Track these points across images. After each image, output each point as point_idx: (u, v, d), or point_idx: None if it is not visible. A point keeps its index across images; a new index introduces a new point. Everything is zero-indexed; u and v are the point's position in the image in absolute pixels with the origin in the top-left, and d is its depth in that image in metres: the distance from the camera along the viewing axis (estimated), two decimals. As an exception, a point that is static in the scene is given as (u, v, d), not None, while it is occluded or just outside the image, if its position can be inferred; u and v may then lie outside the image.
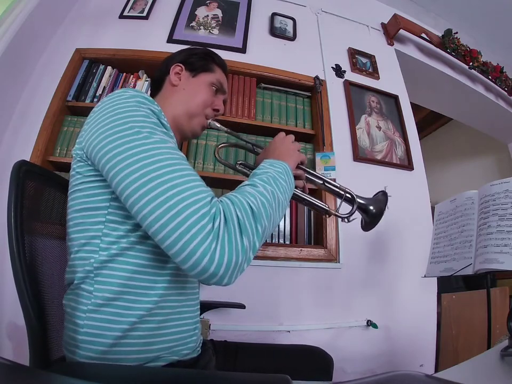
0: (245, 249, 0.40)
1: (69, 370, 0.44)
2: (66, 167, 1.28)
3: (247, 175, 0.72)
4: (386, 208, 0.68)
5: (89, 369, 0.43)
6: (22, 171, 0.51)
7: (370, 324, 1.24)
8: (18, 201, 0.49)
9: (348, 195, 0.69)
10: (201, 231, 0.37)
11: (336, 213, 0.69)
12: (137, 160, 0.40)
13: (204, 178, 1.46)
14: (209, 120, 0.71)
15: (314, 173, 0.71)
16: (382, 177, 1.50)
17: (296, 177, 0.66)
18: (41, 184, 0.59)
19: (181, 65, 0.70)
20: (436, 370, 1.30)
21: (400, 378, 0.32)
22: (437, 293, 1.41)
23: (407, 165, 1.57)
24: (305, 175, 0.69)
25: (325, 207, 0.71)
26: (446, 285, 1.88)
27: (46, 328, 0.49)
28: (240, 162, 0.77)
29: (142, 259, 0.46)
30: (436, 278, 1.28)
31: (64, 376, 0.28)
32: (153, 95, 0.73)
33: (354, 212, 0.68)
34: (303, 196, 0.69)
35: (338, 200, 0.71)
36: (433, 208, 1.18)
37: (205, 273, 0.38)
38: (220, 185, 1.32)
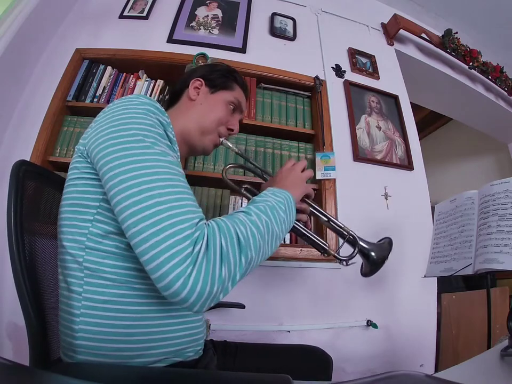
0: (222, 279, 0.38)
1: (69, 370, 0.44)
2: (66, 167, 1.27)
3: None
4: (388, 257, 0.65)
5: (89, 370, 0.43)
6: (21, 171, 0.51)
7: (370, 324, 1.24)
8: (18, 201, 0.49)
9: (350, 237, 0.67)
10: (180, 253, 0.36)
11: (336, 255, 0.66)
12: (133, 169, 0.40)
13: (204, 178, 1.44)
14: (222, 139, 0.70)
15: (320, 209, 0.69)
16: (382, 177, 1.49)
17: (300, 211, 0.64)
18: (41, 184, 0.59)
19: (201, 80, 0.70)
20: (436, 370, 1.30)
21: (400, 378, 0.32)
22: (437, 293, 1.41)
23: (407, 165, 1.57)
24: (310, 209, 0.67)
25: (324, 246, 0.68)
26: (446, 285, 1.89)
27: (46, 328, 0.49)
28: (245, 186, 0.75)
29: (131, 262, 0.45)
30: (435, 278, 1.27)
31: (64, 376, 0.28)
32: (168, 106, 0.73)
33: (355, 255, 0.66)
34: (303, 231, 0.66)
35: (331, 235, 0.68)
36: (433, 208, 1.18)
37: (176, 297, 0.36)
38: (220, 185, 1.32)
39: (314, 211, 0.68)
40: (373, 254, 0.66)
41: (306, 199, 0.65)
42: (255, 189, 0.77)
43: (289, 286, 1.24)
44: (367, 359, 1.23)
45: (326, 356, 0.74)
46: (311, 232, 0.68)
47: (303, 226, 0.66)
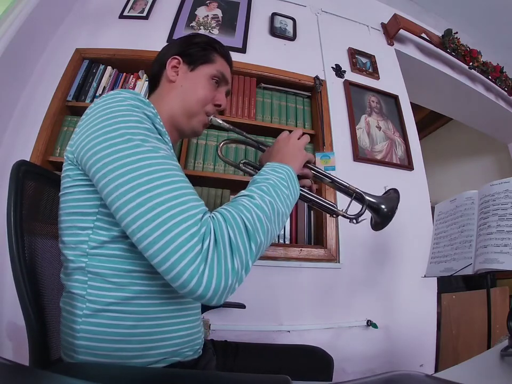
0: (236, 271, 0.38)
1: (69, 370, 0.44)
2: (66, 167, 1.28)
3: (251, 175, 0.69)
4: (398, 206, 0.64)
5: (89, 370, 0.43)
6: (21, 171, 0.51)
7: (370, 324, 1.24)
8: (18, 201, 0.49)
9: (357, 194, 0.66)
10: (190, 252, 0.35)
11: (345, 214, 0.65)
12: (127, 171, 0.38)
13: (204, 178, 1.43)
14: (211, 117, 0.66)
15: (322, 171, 0.67)
16: (382, 177, 1.49)
17: (303, 177, 0.63)
18: (41, 184, 0.59)
19: (178, 57, 0.65)
20: (436, 370, 1.30)
21: (400, 378, 0.32)
22: (437, 293, 1.41)
23: (407, 165, 1.57)
24: (313, 173, 0.66)
25: (332, 208, 0.66)
26: (446, 285, 1.89)
27: (46, 328, 0.49)
28: (243, 161, 0.72)
29: (133, 265, 0.45)
30: (435, 278, 1.27)
31: (64, 376, 0.28)
32: (150, 92, 0.70)
33: (364, 212, 0.64)
34: (309, 196, 0.65)
35: (341, 196, 0.68)
36: (433, 208, 1.18)
37: (192, 294, 0.37)
38: (220, 185, 1.32)
39: (317, 174, 0.67)
40: (382, 206, 0.65)
41: (308, 164, 0.64)
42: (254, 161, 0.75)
43: (289, 286, 1.24)
44: (367, 359, 1.23)
45: (327, 356, 0.74)
46: (316, 196, 0.66)
47: (307, 191, 0.65)
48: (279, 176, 0.51)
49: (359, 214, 0.64)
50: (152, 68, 0.70)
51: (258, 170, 0.69)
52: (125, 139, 0.40)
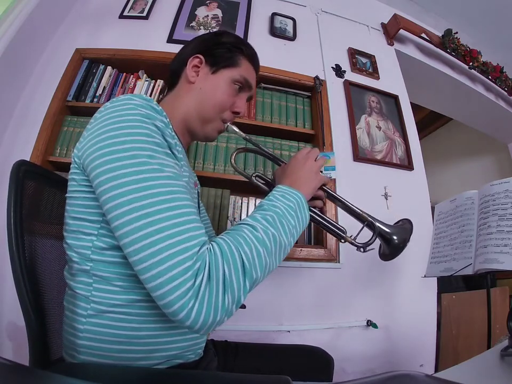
0: (226, 307, 0.38)
1: (69, 370, 0.44)
2: (66, 167, 1.27)
3: (263, 189, 0.67)
4: (410, 238, 0.61)
5: (90, 370, 0.43)
6: (21, 171, 0.51)
7: (370, 324, 1.24)
8: (18, 201, 0.49)
9: (369, 222, 0.62)
10: (181, 286, 0.35)
11: (353, 241, 0.62)
12: (129, 191, 0.38)
13: (204, 178, 1.43)
14: (227, 124, 0.64)
15: (336, 195, 0.65)
16: (382, 177, 1.49)
17: (316, 198, 0.62)
18: (41, 184, 0.59)
19: (201, 56, 0.61)
20: (436, 370, 1.30)
21: (400, 378, 0.32)
22: (437, 293, 1.40)
23: (407, 165, 1.57)
24: (326, 194, 0.64)
25: (341, 233, 0.63)
26: (446, 285, 1.89)
27: (46, 328, 0.49)
28: (255, 174, 0.69)
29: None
30: (435, 278, 1.27)
31: (64, 376, 0.28)
32: (169, 89, 0.67)
33: (373, 241, 0.62)
34: (319, 218, 0.63)
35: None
36: (433, 208, 1.18)
37: (181, 324, 0.37)
38: (220, 185, 1.32)
39: (330, 196, 0.65)
40: (394, 237, 0.62)
41: (322, 186, 0.62)
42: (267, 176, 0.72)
43: (289, 286, 1.24)
44: (367, 359, 1.23)
45: (327, 356, 0.74)
46: (327, 218, 0.63)
47: (318, 213, 0.63)
48: (287, 204, 0.49)
49: (368, 243, 0.61)
50: (172, 63, 0.66)
51: (270, 184, 0.68)
52: (131, 154, 0.39)
